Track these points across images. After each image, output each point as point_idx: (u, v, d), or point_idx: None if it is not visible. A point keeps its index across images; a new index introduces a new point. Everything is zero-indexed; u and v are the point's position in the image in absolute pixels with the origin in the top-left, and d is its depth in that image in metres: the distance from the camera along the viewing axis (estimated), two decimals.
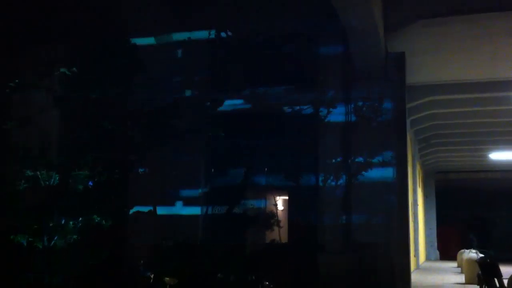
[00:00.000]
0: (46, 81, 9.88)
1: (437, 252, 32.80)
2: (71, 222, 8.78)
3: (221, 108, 12.96)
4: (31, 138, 9.43)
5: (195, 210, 13.49)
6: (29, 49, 13.59)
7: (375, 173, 12.71)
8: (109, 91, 9.79)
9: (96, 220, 8.92)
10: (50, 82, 9.80)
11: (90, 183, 9.49)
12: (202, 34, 13.71)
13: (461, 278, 17.92)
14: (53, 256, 8.29)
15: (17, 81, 9.41)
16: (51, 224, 8.55)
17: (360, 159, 12.83)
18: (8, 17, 12.83)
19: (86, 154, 9.17)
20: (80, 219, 8.76)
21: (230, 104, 13.12)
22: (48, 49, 13.03)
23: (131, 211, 13.07)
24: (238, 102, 13.37)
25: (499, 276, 9.61)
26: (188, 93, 13.48)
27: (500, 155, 27.62)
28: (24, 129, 9.46)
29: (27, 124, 9.45)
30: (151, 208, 12.47)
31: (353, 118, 13.05)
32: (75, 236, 8.73)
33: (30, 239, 8.31)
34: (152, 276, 9.85)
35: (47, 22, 13.55)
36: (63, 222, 8.75)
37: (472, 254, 18.00)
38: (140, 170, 11.98)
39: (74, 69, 9.57)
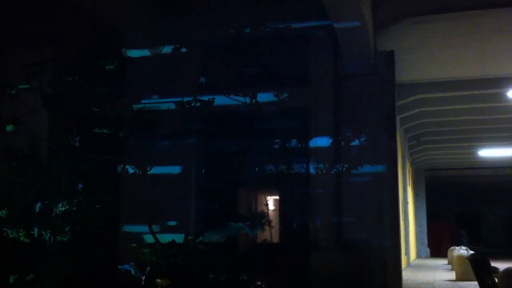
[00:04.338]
0: (35, 83, 9.80)
1: (428, 250, 32.95)
2: (63, 223, 8.73)
3: (211, 109, 12.89)
4: (20, 139, 9.36)
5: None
6: (19, 51, 13.52)
7: (365, 172, 12.72)
8: (98, 94, 9.73)
9: (88, 221, 8.87)
10: (39, 84, 9.72)
11: (80, 185, 9.43)
12: (191, 35, 13.68)
13: (452, 275, 18.01)
14: (44, 257, 8.23)
15: (5, 82, 9.33)
16: (42, 226, 8.50)
17: (351, 157, 12.83)
18: None
19: (75, 156, 9.11)
20: (73, 219, 8.71)
21: (220, 105, 13.04)
22: (37, 51, 12.96)
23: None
24: (228, 103, 13.30)
25: (490, 272, 9.64)
26: (177, 94, 13.39)
27: (489, 152, 27.83)
28: (14, 130, 9.39)
29: (16, 125, 9.37)
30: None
31: (343, 117, 13.04)
32: (65, 238, 8.68)
33: (21, 240, 8.24)
34: (143, 278, 9.80)
35: (37, 24, 13.48)
36: (54, 223, 8.70)
37: (462, 250, 18.09)
38: (130, 171, 11.92)
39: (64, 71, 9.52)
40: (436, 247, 32.79)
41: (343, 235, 12.55)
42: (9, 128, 8.78)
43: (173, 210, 13.22)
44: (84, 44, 13.82)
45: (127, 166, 11.94)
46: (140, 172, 11.96)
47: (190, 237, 12.04)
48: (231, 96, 12.72)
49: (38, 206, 8.86)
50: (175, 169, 13.45)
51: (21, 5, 12.64)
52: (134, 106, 11.33)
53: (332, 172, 12.81)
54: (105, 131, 10.44)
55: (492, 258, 10.01)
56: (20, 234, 8.25)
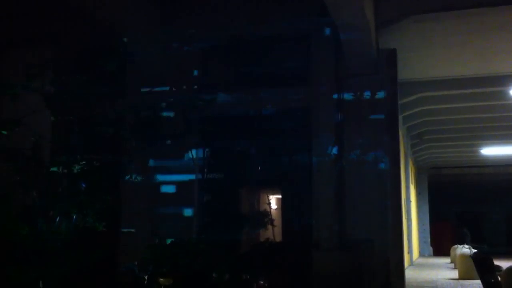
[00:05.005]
0: (36, 83, 9.78)
1: (431, 248, 32.90)
2: (63, 223, 8.71)
3: (212, 109, 12.86)
4: (22, 140, 9.34)
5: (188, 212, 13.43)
6: (19, 51, 13.50)
7: (368, 170, 12.68)
8: (98, 94, 9.71)
9: (89, 221, 8.85)
10: (41, 84, 9.71)
11: (83, 185, 9.41)
12: (191, 35, 13.66)
13: (455, 274, 17.98)
14: (46, 257, 8.22)
15: (6, 82, 9.31)
16: (43, 226, 8.48)
17: (353, 156, 12.80)
18: None
19: (77, 155, 9.10)
20: (74, 219, 8.69)
21: (221, 105, 13.01)
22: (37, 51, 12.94)
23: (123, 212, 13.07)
24: (229, 102, 13.28)
25: (493, 270, 9.60)
26: (178, 94, 13.38)
27: (492, 150, 27.79)
28: (15, 131, 9.37)
29: (18, 126, 9.36)
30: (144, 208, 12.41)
31: (345, 116, 13.01)
32: (68, 237, 8.66)
33: (23, 240, 8.22)
34: (146, 277, 9.78)
35: (37, 24, 13.46)
36: (56, 223, 8.68)
37: (465, 249, 18.05)
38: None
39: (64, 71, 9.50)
40: (439, 245, 32.74)
41: (345, 234, 12.51)
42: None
43: (174, 210, 13.21)
44: (84, 44, 13.80)
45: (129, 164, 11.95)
46: (141, 171, 11.96)
47: (192, 237, 12.04)
48: (232, 96, 12.71)
49: (39, 206, 8.85)
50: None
51: (21, 5, 12.61)
52: (134, 106, 11.32)
53: (334, 171, 12.78)
54: (109, 131, 10.43)
55: (494, 257, 9.98)
56: (23, 232, 8.23)
